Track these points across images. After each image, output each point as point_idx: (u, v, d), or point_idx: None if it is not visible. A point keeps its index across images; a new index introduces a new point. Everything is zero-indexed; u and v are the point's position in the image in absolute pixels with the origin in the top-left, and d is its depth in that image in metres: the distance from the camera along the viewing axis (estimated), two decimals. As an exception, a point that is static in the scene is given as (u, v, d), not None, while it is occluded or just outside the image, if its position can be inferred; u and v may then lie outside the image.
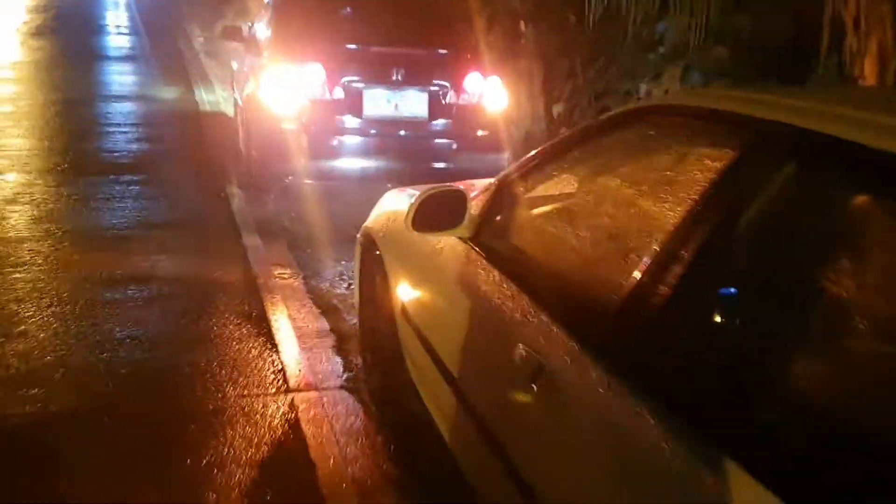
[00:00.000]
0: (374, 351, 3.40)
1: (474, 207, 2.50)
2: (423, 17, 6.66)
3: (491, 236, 2.46)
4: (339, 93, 5.54)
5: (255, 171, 5.98)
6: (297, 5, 6.66)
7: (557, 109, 7.50)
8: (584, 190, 2.47)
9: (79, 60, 12.97)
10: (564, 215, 2.43)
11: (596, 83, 7.11)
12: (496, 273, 2.26)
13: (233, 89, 8.58)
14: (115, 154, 7.24)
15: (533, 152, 2.50)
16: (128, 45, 15.53)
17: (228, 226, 5.44)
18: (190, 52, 14.58)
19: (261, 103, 5.83)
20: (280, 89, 5.60)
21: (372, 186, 6.13)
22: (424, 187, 2.54)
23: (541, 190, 2.52)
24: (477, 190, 2.68)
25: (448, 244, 2.60)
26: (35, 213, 5.42)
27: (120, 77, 11.61)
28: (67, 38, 16.03)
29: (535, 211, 2.53)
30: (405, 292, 2.90)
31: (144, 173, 6.62)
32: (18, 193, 5.80)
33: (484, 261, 2.37)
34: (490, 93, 5.76)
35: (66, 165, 6.67)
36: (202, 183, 6.47)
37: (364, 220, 3.45)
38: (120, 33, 17.61)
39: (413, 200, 2.47)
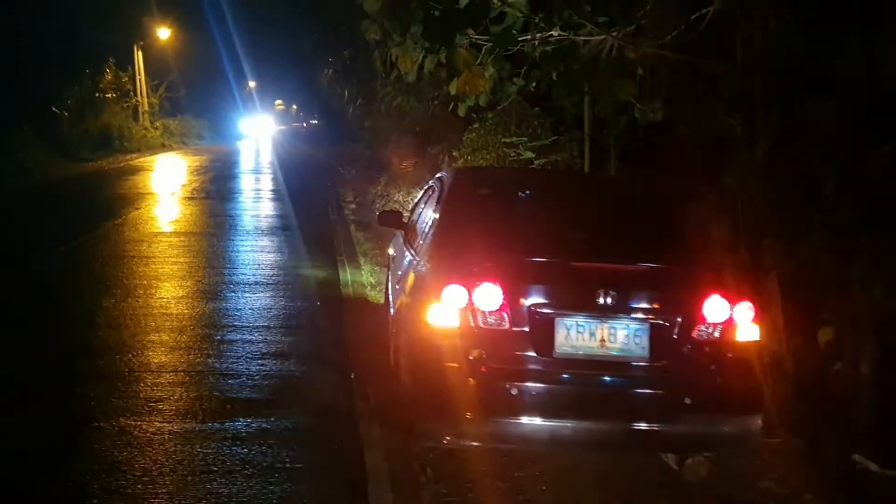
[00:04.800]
0: None
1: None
2: (636, 216, 4.95)
3: None
4: (520, 321, 3.95)
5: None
6: (471, 198, 5.11)
7: (825, 337, 5.29)
8: None
9: (221, 233, 12.11)
10: None
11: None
12: None
13: (387, 281, 7.02)
14: (227, 382, 5.58)
15: None
16: (275, 212, 14.84)
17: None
18: (339, 222, 13.58)
19: (413, 325, 4.32)
20: (439, 311, 4.03)
21: (563, 458, 4.44)
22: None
23: None
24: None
25: None
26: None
27: (259, 255, 10.41)
28: (217, 204, 15.57)
29: None
30: None
31: (261, 418, 4.87)
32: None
33: None
34: (740, 325, 4.06)
35: (167, 404, 5.10)
36: (333, 448, 4.64)
37: None
38: (271, 199, 17.16)
39: None
